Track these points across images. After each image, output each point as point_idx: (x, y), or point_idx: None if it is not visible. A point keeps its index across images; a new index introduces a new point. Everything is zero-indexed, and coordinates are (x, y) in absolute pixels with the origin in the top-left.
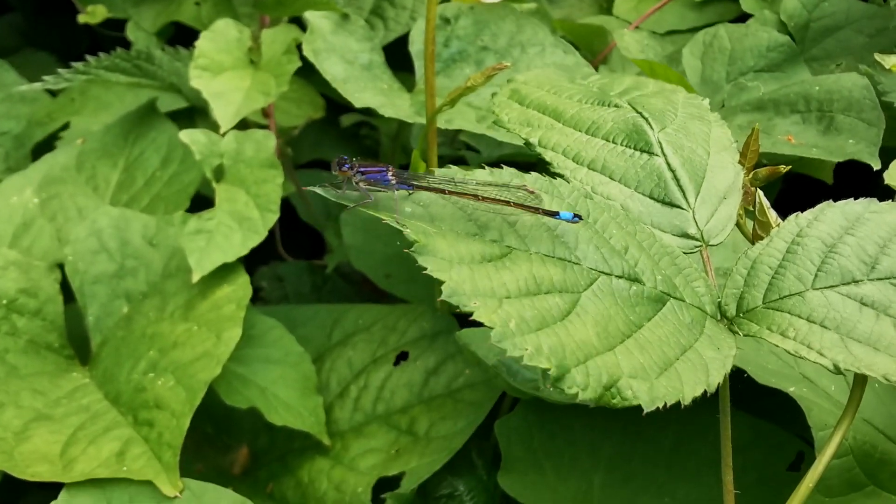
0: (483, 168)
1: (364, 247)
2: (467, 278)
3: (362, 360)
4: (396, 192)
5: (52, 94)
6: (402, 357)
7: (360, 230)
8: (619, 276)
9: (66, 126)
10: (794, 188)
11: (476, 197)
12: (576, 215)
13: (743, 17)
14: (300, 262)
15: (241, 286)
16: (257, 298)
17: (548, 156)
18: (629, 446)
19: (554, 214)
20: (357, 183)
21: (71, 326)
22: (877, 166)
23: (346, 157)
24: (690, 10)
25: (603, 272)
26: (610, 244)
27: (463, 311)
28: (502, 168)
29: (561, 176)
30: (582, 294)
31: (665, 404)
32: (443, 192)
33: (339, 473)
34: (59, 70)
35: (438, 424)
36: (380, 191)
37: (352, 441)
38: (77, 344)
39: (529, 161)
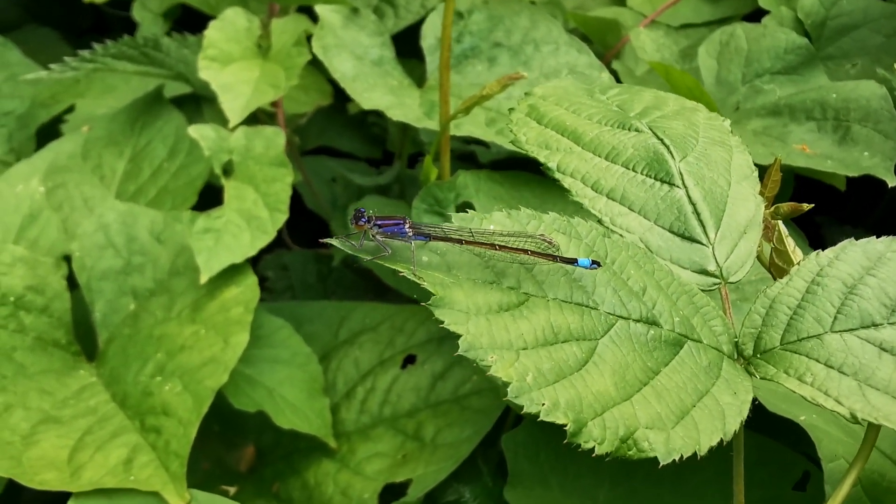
0: (501, 211)
1: None
2: (485, 331)
3: (369, 361)
4: (413, 242)
5: None
6: (409, 360)
7: None
8: (637, 320)
9: (71, 108)
10: (806, 190)
11: (493, 246)
12: (594, 262)
13: (759, 12)
14: (306, 251)
15: (249, 287)
16: (263, 289)
17: (566, 182)
18: (633, 463)
19: (572, 262)
20: (374, 235)
21: (77, 318)
22: (892, 183)
23: (363, 210)
24: (706, 4)
25: (621, 316)
26: (628, 286)
27: (480, 365)
28: (520, 210)
29: (579, 205)
30: (599, 341)
31: (682, 456)
32: (460, 242)
33: (345, 477)
34: (65, 58)
35: (445, 431)
36: (396, 241)
37: (358, 444)
38: (84, 339)
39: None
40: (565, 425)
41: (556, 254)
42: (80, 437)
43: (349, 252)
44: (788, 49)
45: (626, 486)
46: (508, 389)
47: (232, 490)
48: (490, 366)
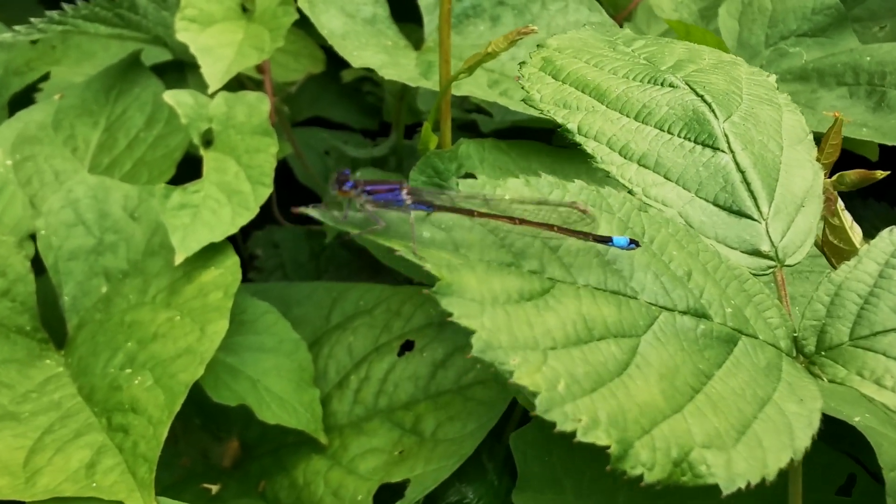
0: (517, 177)
1: None
2: (503, 325)
3: (364, 347)
4: (412, 213)
5: (32, 40)
6: (406, 346)
7: None
8: (684, 312)
9: (45, 76)
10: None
11: (513, 220)
12: (632, 241)
13: None
14: (297, 227)
15: (229, 270)
16: (251, 267)
17: (590, 146)
18: None
19: (606, 241)
20: (363, 204)
21: (48, 302)
22: None
23: (346, 173)
24: None
25: (665, 307)
26: (670, 270)
27: (500, 370)
28: (540, 176)
29: (605, 174)
30: (641, 338)
31: (748, 483)
32: (471, 213)
33: (336, 476)
34: (32, 19)
35: (446, 425)
36: (392, 212)
37: (351, 438)
38: (53, 325)
39: (547, 128)
40: (608, 447)
41: (590, 230)
42: (39, 436)
43: (331, 225)
44: (816, 9)
45: (648, 490)
46: (537, 402)
47: (214, 488)
48: (512, 371)
